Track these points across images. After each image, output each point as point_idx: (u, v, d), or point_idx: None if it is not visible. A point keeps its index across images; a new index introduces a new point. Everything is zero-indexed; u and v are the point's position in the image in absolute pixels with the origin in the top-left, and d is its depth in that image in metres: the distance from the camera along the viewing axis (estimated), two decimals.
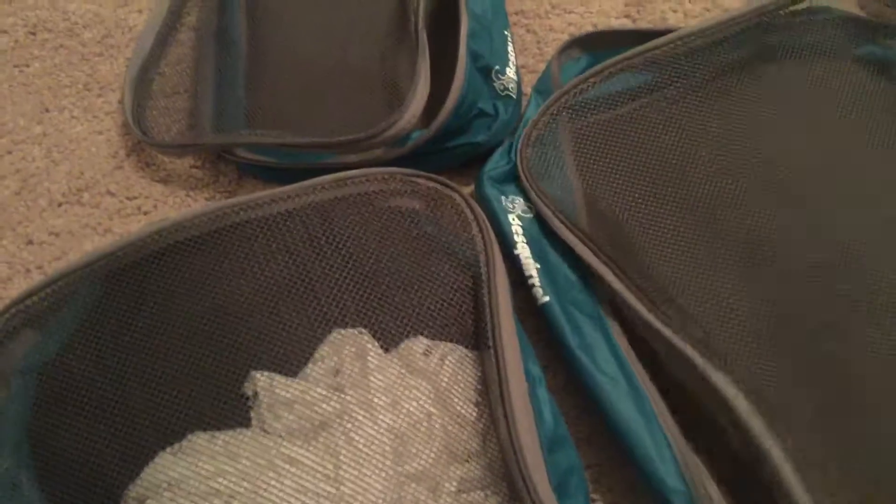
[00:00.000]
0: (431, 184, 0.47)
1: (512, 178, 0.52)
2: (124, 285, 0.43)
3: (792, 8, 0.55)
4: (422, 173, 0.47)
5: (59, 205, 0.55)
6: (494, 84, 0.55)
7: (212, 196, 0.56)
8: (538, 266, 0.47)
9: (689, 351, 0.40)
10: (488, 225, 0.45)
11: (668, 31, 0.53)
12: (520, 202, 0.50)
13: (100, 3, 0.65)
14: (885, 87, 0.53)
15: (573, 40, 0.58)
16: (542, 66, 0.62)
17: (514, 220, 0.49)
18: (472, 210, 0.46)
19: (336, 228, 0.44)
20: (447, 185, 0.47)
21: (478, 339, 0.42)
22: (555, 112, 0.52)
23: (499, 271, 0.43)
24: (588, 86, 0.52)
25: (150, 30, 0.61)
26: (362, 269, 0.44)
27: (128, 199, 0.56)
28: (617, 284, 0.44)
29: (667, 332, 0.41)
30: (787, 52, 0.55)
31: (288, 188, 0.45)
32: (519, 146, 0.51)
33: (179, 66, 0.60)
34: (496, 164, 0.53)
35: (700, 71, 0.53)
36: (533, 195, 0.49)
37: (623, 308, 0.44)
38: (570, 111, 0.52)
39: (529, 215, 0.50)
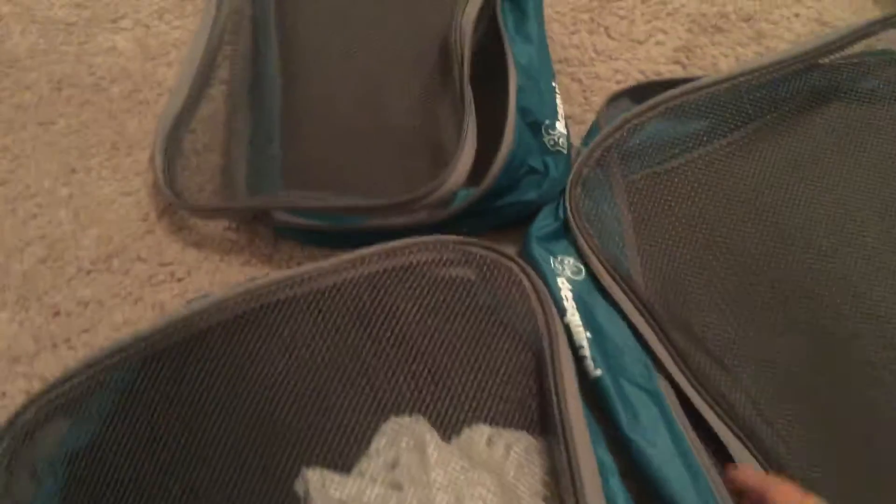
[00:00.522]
0: (486, 252, 0.44)
1: (561, 236, 0.49)
2: (161, 370, 0.40)
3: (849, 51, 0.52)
4: (475, 240, 0.45)
5: (88, 272, 0.53)
6: (544, 139, 0.53)
7: (248, 260, 0.53)
8: (589, 335, 0.44)
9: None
10: (548, 296, 0.43)
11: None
12: (569, 262, 0.48)
13: (127, 57, 0.63)
14: None
15: (621, 92, 0.56)
16: (590, 117, 0.60)
17: (563, 283, 0.47)
18: (531, 280, 0.43)
19: (387, 303, 0.42)
20: (503, 254, 0.44)
21: (544, 424, 0.39)
22: (606, 149, 0.50)
23: (562, 348, 0.41)
24: (640, 122, 0.50)
25: (182, 85, 0.59)
26: (417, 347, 0.41)
27: (160, 265, 0.53)
28: (669, 364, 0.42)
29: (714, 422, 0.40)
30: (847, 96, 0.53)
31: (333, 261, 0.43)
32: (568, 186, 0.49)
33: (212, 122, 0.58)
34: (543, 222, 0.51)
35: (759, 114, 0.51)
36: (581, 241, 0.47)
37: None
38: (621, 152, 0.50)
39: (580, 277, 0.47)
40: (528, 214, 0.54)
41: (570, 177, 0.49)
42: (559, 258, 0.48)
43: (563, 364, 0.40)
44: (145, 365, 0.40)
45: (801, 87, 0.53)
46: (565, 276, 0.47)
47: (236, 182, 0.56)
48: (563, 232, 0.49)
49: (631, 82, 0.62)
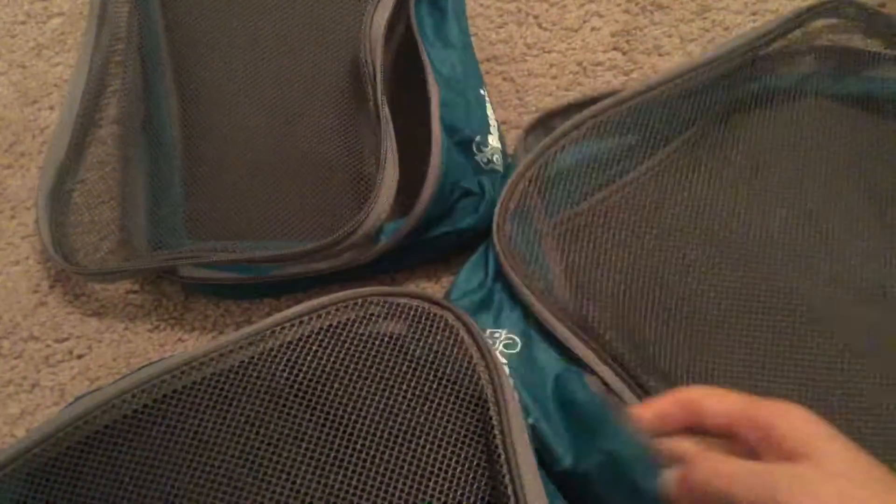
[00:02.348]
0: (415, 301, 0.40)
1: (487, 306, 0.45)
2: (50, 483, 0.35)
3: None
4: (402, 290, 0.41)
5: None
6: (476, 157, 0.49)
7: (156, 326, 0.48)
8: (535, 420, 0.41)
9: None
10: (490, 348, 0.38)
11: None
12: (501, 336, 0.43)
13: (3, 104, 0.57)
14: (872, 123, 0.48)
15: (536, 121, 0.51)
16: (526, 119, 0.55)
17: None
18: (468, 327, 0.39)
19: (304, 377, 0.37)
20: (435, 302, 0.40)
21: (495, 493, 0.35)
22: (525, 186, 0.46)
23: (511, 409, 0.36)
24: (557, 150, 0.46)
25: (63, 129, 0.53)
26: (344, 426, 0.37)
27: (56, 341, 0.48)
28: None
29: None
30: (765, 97, 0.49)
31: (242, 333, 0.38)
32: (495, 221, 0.45)
33: (103, 170, 0.53)
34: (463, 289, 0.46)
35: (689, 124, 0.47)
36: (518, 282, 0.43)
37: None
38: (540, 189, 0.46)
39: (515, 350, 0.43)
40: (464, 243, 0.49)
41: (496, 214, 0.45)
42: (488, 332, 0.44)
43: (514, 427, 0.36)
44: (32, 480, 0.36)
45: (731, 91, 0.49)
46: (498, 349, 0.43)
47: (135, 237, 0.51)
48: (489, 300, 0.45)
49: (567, 75, 0.57)
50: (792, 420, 0.30)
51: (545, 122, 0.52)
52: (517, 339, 0.43)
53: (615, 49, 0.58)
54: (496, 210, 0.45)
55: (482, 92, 0.52)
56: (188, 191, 0.51)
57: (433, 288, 0.50)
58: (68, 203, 0.52)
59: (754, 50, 0.48)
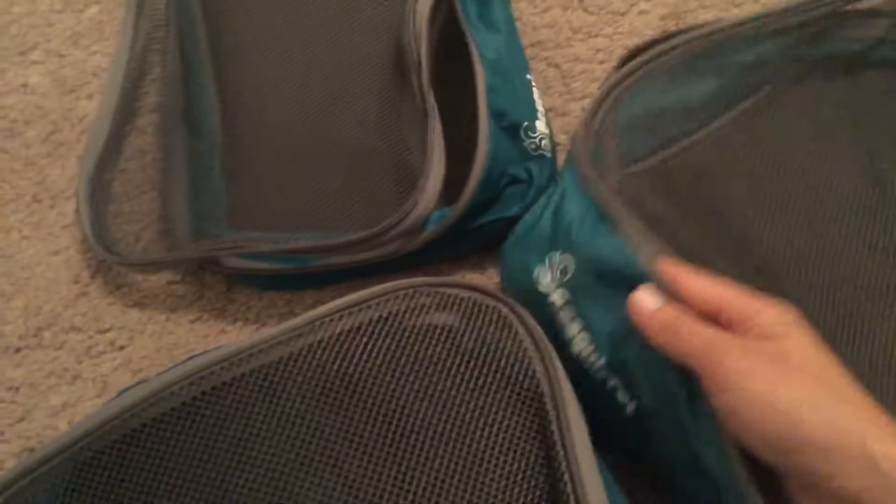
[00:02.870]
0: (467, 292, 0.39)
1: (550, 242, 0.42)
2: (95, 478, 0.35)
3: None
4: (453, 280, 0.40)
5: (17, 350, 0.47)
6: (524, 143, 0.48)
7: (198, 317, 0.48)
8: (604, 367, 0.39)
9: None
10: (546, 340, 0.37)
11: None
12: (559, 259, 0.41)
13: (42, 93, 0.57)
14: None
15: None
16: (573, 107, 0.54)
17: (558, 297, 0.40)
18: (522, 319, 0.38)
19: (355, 370, 0.36)
20: (487, 293, 0.38)
21: (553, 491, 0.34)
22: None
23: (569, 405, 0.35)
24: (626, 91, 0.43)
25: (103, 119, 0.53)
26: (395, 421, 0.36)
27: (98, 332, 0.48)
28: None
29: None
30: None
31: (290, 324, 0.37)
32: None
33: (143, 159, 0.53)
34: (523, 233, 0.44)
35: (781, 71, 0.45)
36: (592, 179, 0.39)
37: None
38: (609, 133, 0.42)
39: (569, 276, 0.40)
40: (509, 231, 0.48)
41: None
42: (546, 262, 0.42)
43: (572, 420, 0.35)
44: (77, 474, 0.35)
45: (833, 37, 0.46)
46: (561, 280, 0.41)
47: (177, 227, 0.50)
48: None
49: (615, 60, 0.55)
50: (777, 312, 0.30)
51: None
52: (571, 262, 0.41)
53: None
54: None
55: (528, 77, 0.50)
56: (228, 180, 0.51)
57: (480, 278, 0.49)
58: (108, 193, 0.51)
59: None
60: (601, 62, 0.56)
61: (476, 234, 0.48)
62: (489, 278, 0.49)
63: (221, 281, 0.49)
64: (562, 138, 0.53)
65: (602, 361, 0.39)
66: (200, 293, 0.49)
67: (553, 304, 0.41)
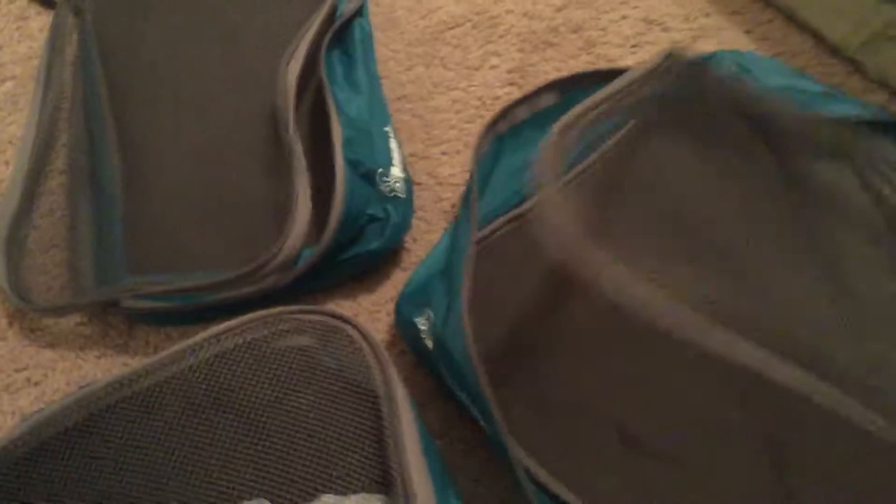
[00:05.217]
0: (318, 317, 0.44)
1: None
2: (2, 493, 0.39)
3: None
4: (310, 308, 0.45)
5: None
6: (380, 187, 0.53)
7: (103, 353, 0.53)
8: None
9: None
10: (384, 353, 0.43)
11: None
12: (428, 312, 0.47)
13: None
14: None
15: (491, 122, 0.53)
16: (433, 151, 0.60)
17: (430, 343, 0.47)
18: (366, 338, 0.43)
19: (220, 389, 0.41)
20: (336, 316, 0.44)
21: (387, 482, 0.40)
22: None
23: (400, 404, 0.41)
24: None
25: (16, 181, 0.58)
26: (255, 427, 0.41)
27: (15, 371, 0.53)
28: None
29: None
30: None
31: (163, 355, 0.42)
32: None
33: (53, 217, 0.57)
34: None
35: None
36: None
37: None
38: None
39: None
40: (374, 263, 0.54)
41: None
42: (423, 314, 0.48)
43: (403, 419, 0.40)
44: None
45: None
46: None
47: (83, 275, 0.55)
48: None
49: (469, 110, 0.62)
50: None
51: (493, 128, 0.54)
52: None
53: (511, 84, 0.63)
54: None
55: (386, 129, 0.57)
56: (127, 231, 0.55)
57: (351, 304, 0.54)
58: (23, 248, 0.56)
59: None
60: (458, 112, 0.63)
61: (344, 266, 0.53)
62: (359, 304, 0.55)
63: (123, 320, 0.54)
64: (423, 178, 0.60)
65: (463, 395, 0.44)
66: (105, 332, 0.54)
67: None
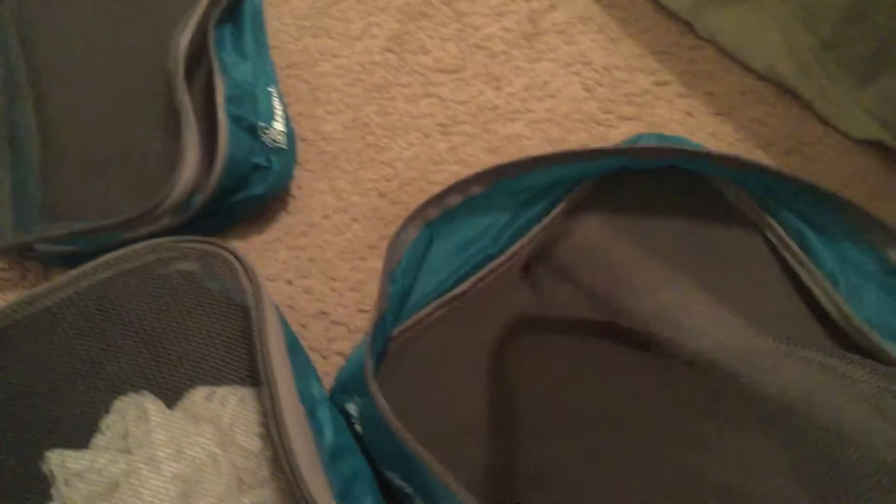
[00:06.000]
0: (198, 245, 0.50)
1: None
2: None
3: None
4: (190, 237, 0.51)
5: None
6: (263, 139, 0.60)
7: (21, 294, 0.58)
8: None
9: None
10: (255, 272, 0.49)
11: None
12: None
13: None
14: None
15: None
16: (319, 111, 0.67)
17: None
18: (240, 261, 0.49)
19: (111, 306, 0.48)
20: (215, 244, 0.50)
21: (254, 377, 0.46)
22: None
23: (267, 311, 0.47)
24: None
25: None
26: (142, 336, 0.47)
27: None
28: None
29: None
30: None
31: (62, 278, 0.48)
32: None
33: None
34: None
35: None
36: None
37: None
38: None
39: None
40: (261, 207, 0.61)
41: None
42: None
43: (268, 324, 0.46)
44: None
45: None
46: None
47: (3, 228, 0.61)
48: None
49: (351, 74, 0.69)
50: None
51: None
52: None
53: (389, 51, 0.70)
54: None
55: (270, 89, 0.63)
56: (43, 185, 0.61)
57: (242, 244, 0.61)
58: None
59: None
60: (341, 76, 0.69)
61: (233, 209, 0.60)
62: (250, 244, 0.61)
63: (39, 265, 0.60)
64: (309, 134, 0.66)
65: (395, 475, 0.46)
66: (23, 275, 0.60)
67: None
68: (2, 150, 0.64)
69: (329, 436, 0.45)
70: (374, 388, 0.44)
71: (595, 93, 0.67)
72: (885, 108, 0.61)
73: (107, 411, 0.45)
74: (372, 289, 0.58)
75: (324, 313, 0.57)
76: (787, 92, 0.66)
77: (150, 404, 0.44)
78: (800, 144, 0.63)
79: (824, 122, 0.64)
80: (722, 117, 0.65)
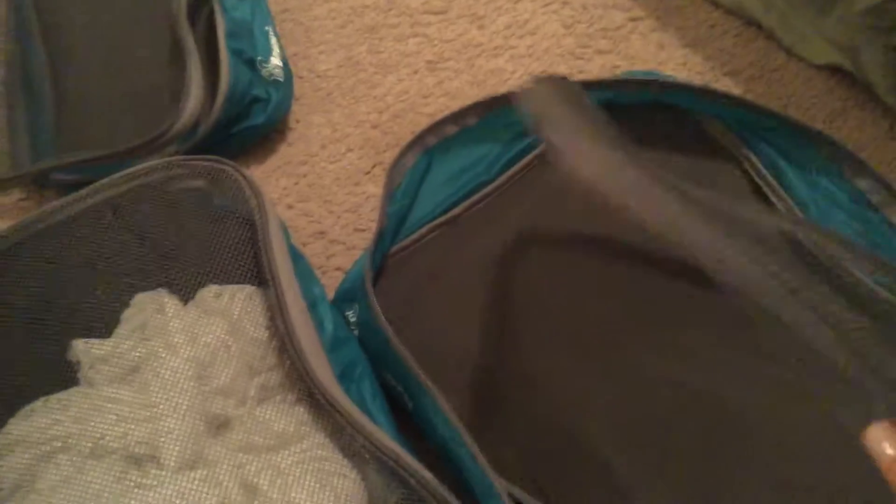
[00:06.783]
0: (205, 163, 0.53)
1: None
2: None
3: None
4: (198, 157, 0.55)
5: None
6: (261, 72, 0.63)
7: None
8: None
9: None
10: (258, 187, 0.52)
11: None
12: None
13: None
14: None
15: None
16: (312, 52, 0.70)
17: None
18: (244, 177, 0.53)
19: (126, 216, 0.51)
20: (222, 162, 0.53)
21: (261, 276, 0.50)
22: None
23: (271, 220, 0.50)
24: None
25: None
26: (157, 242, 0.51)
27: None
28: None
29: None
30: None
31: (81, 192, 0.52)
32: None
33: None
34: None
35: None
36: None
37: None
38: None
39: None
40: (263, 137, 0.64)
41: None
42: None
43: (272, 231, 0.49)
44: None
45: None
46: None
47: (22, 162, 0.64)
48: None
49: (343, 17, 0.73)
50: None
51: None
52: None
53: None
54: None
55: (267, 28, 0.66)
56: (57, 126, 0.65)
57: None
58: None
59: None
60: (333, 19, 0.73)
61: (235, 138, 0.63)
62: (252, 172, 0.65)
63: (55, 194, 0.64)
64: (304, 73, 0.70)
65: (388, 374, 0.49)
66: (40, 203, 0.63)
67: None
68: (17, 90, 0.67)
69: (329, 327, 0.49)
70: (370, 292, 0.47)
71: (573, 29, 0.70)
72: (843, 35, 0.64)
73: (127, 306, 0.49)
74: (367, 211, 0.62)
75: (322, 233, 0.61)
76: (752, 24, 0.69)
77: (167, 299, 0.48)
78: (764, 71, 0.67)
79: (787, 50, 0.68)
80: (691, 49, 0.68)
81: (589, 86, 0.56)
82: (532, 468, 0.47)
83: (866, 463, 0.26)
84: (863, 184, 0.52)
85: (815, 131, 0.52)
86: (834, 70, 0.65)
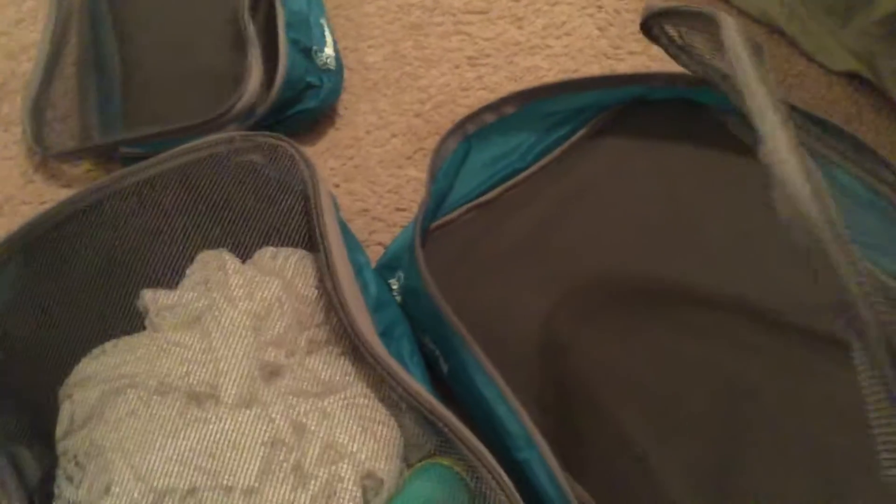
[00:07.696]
0: (264, 139, 0.56)
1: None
2: (41, 250, 0.51)
3: None
4: (258, 133, 0.58)
5: None
6: (316, 61, 0.67)
7: None
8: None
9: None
10: (311, 162, 0.55)
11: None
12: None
13: None
14: None
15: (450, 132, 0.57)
16: (361, 45, 0.74)
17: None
18: (299, 152, 0.56)
19: (191, 184, 0.54)
20: (278, 139, 0.56)
21: (312, 242, 0.53)
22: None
23: (322, 193, 0.53)
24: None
25: (37, 69, 0.71)
26: (218, 209, 0.54)
27: (40, 204, 0.65)
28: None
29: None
30: None
31: (151, 159, 0.55)
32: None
33: (66, 96, 0.71)
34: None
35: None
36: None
37: None
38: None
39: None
40: (313, 120, 0.68)
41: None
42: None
43: (323, 202, 0.52)
44: (27, 249, 0.52)
45: None
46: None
47: (91, 135, 0.68)
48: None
49: (390, 15, 0.76)
50: None
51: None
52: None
53: None
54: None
55: (321, 21, 0.70)
56: (125, 104, 0.69)
57: None
58: (43, 118, 0.70)
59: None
60: (382, 16, 0.76)
61: (289, 121, 0.67)
62: None
63: (121, 166, 0.67)
64: (354, 65, 0.73)
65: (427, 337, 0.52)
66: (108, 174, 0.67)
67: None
68: (89, 68, 0.71)
69: (373, 290, 0.51)
70: (419, 254, 0.50)
71: (606, 31, 0.73)
72: (861, 43, 0.66)
73: (191, 262, 0.52)
74: (408, 192, 0.65)
75: (366, 210, 0.64)
76: (776, 32, 0.72)
77: (228, 257, 0.51)
78: (786, 76, 0.69)
79: (808, 57, 0.70)
80: None
81: (619, 79, 0.58)
82: (555, 432, 0.49)
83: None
84: (886, 175, 0.54)
85: (836, 126, 0.54)
86: (852, 76, 0.68)
